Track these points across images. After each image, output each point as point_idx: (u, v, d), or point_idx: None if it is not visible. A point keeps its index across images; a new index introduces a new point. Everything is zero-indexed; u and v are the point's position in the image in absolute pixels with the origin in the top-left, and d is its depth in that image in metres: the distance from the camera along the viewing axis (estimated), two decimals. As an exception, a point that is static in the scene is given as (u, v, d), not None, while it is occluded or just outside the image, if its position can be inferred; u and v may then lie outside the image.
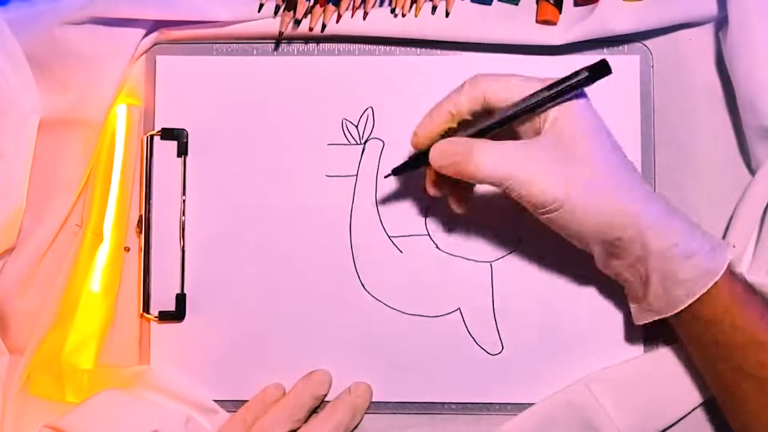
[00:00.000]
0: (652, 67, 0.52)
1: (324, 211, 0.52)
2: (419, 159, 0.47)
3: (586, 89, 0.44)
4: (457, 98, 0.44)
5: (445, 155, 0.44)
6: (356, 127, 0.53)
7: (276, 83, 0.52)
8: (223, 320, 0.52)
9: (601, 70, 0.42)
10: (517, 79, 0.44)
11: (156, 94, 0.52)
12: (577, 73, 0.42)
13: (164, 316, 0.52)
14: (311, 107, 0.52)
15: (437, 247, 0.52)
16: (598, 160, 0.43)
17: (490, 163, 0.42)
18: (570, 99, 0.43)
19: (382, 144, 0.53)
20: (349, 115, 0.52)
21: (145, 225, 0.52)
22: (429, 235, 0.52)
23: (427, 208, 0.52)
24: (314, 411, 0.51)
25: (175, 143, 0.52)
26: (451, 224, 0.52)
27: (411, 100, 0.52)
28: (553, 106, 0.43)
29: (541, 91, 0.43)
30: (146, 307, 0.52)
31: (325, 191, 0.52)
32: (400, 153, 0.52)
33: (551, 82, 0.43)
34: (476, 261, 0.52)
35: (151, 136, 0.52)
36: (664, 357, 0.49)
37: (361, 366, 0.52)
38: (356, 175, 0.52)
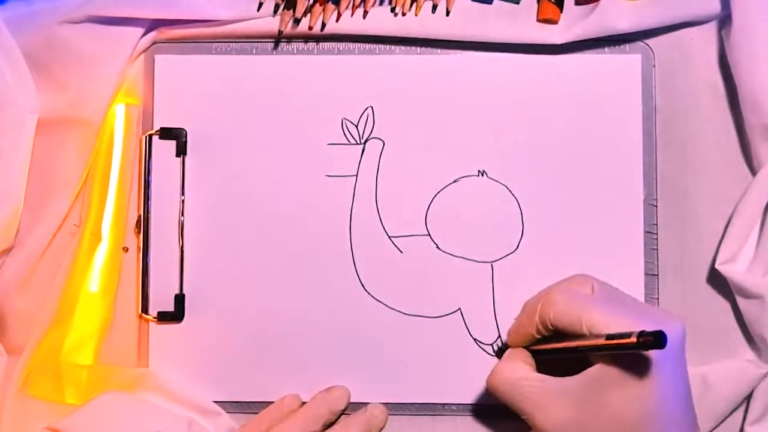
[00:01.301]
0: (654, 66, 0.52)
1: (324, 212, 0.52)
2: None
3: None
4: (531, 322, 0.45)
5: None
6: (356, 126, 0.52)
7: (275, 82, 0.52)
8: (222, 321, 0.52)
9: (654, 342, 0.38)
10: (589, 313, 0.42)
11: (155, 93, 0.52)
12: (628, 335, 0.39)
13: (163, 317, 0.52)
14: (311, 107, 0.52)
15: (438, 248, 0.52)
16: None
17: (500, 385, 0.44)
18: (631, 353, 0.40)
19: (382, 144, 0.52)
20: (348, 114, 0.52)
21: (143, 225, 0.52)
22: (429, 235, 0.52)
23: (428, 208, 0.52)
24: (330, 425, 0.50)
25: (173, 143, 0.52)
26: (451, 224, 0.51)
27: (412, 100, 0.52)
28: (603, 354, 0.41)
29: (595, 338, 0.41)
30: (145, 308, 0.52)
31: (325, 191, 0.52)
32: (401, 152, 0.52)
33: (611, 333, 0.40)
34: (477, 261, 0.52)
35: (150, 136, 0.52)
36: None
37: (360, 366, 0.51)
38: (356, 175, 0.52)
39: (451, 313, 0.52)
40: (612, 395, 0.41)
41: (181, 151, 0.52)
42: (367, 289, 0.52)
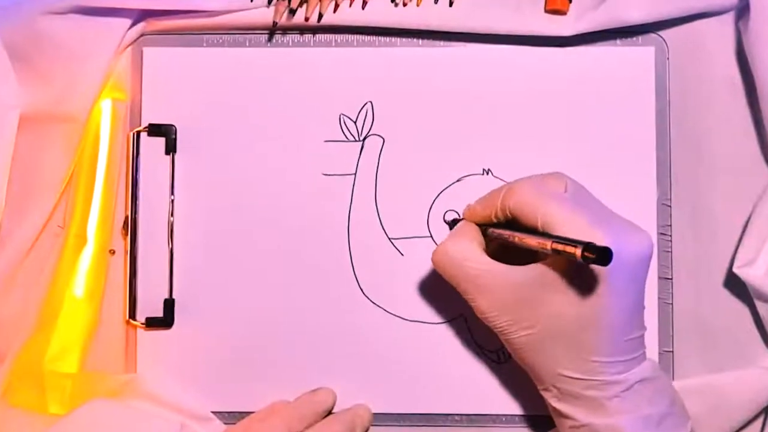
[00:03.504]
0: (668, 59, 0.50)
1: (320, 212, 0.50)
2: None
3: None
4: (492, 205, 0.45)
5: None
6: (354, 122, 0.51)
7: (270, 76, 0.50)
8: (213, 327, 0.50)
9: (597, 259, 0.36)
10: (548, 207, 0.41)
11: (143, 87, 0.51)
12: (575, 244, 0.37)
13: (152, 323, 0.50)
14: (307, 102, 0.51)
15: (440, 250, 0.50)
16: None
17: (446, 264, 0.44)
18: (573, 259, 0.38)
19: (381, 141, 0.51)
20: (347, 110, 0.51)
21: (131, 226, 0.50)
22: (432, 236, 0.50)
23: (430, 209, 0.50)
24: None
25: (162, 140, 0.50)
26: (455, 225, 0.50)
27: (412, 95, 0.50)
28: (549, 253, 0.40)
29: (542, 237, 0.40)
30: (132, 313, 0.50)
31: (322, 191, 0.50)
32: (401, 150, 0.50)
33: (557, 235, 0.40)
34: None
35: (138, 133, 0.51)
36: None
37: (359, 375, 0.50)
38: (355, 174, 0.51)
39: (454, 318, 0.50)
40: (551, 295, 0.41)
41: (170, 148, 0.50)
42: (366, 293, 0.50)
